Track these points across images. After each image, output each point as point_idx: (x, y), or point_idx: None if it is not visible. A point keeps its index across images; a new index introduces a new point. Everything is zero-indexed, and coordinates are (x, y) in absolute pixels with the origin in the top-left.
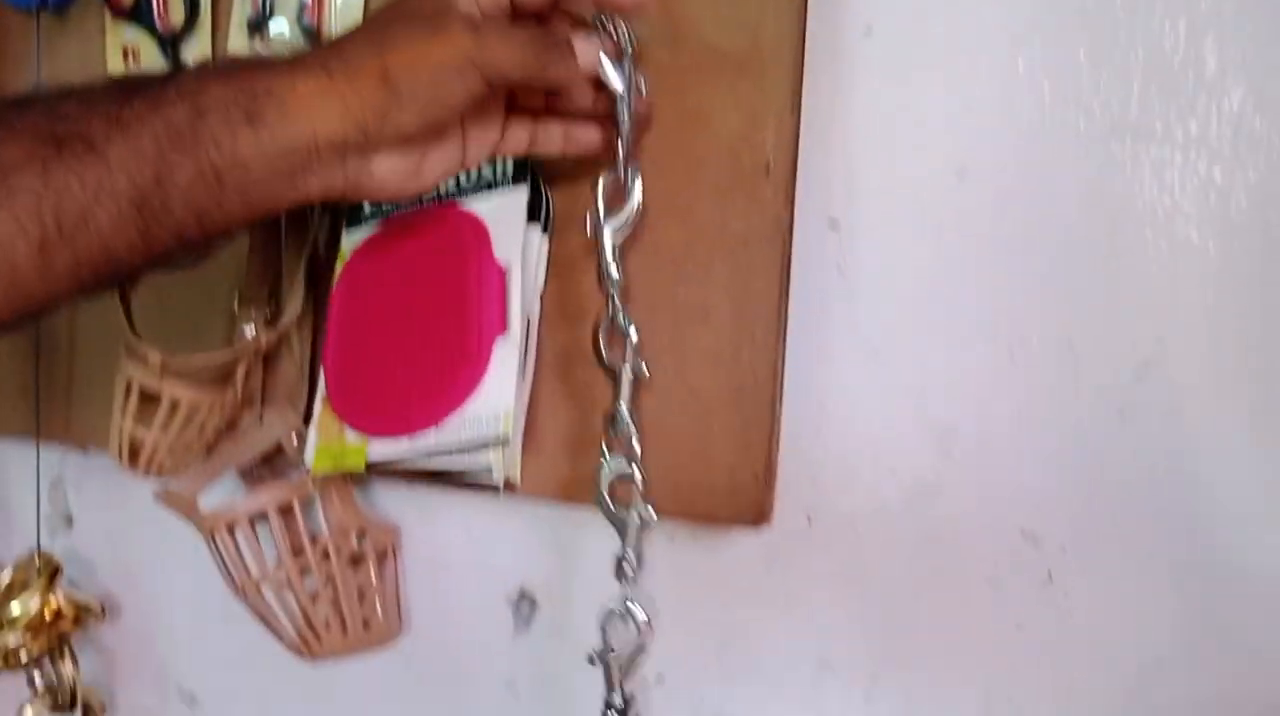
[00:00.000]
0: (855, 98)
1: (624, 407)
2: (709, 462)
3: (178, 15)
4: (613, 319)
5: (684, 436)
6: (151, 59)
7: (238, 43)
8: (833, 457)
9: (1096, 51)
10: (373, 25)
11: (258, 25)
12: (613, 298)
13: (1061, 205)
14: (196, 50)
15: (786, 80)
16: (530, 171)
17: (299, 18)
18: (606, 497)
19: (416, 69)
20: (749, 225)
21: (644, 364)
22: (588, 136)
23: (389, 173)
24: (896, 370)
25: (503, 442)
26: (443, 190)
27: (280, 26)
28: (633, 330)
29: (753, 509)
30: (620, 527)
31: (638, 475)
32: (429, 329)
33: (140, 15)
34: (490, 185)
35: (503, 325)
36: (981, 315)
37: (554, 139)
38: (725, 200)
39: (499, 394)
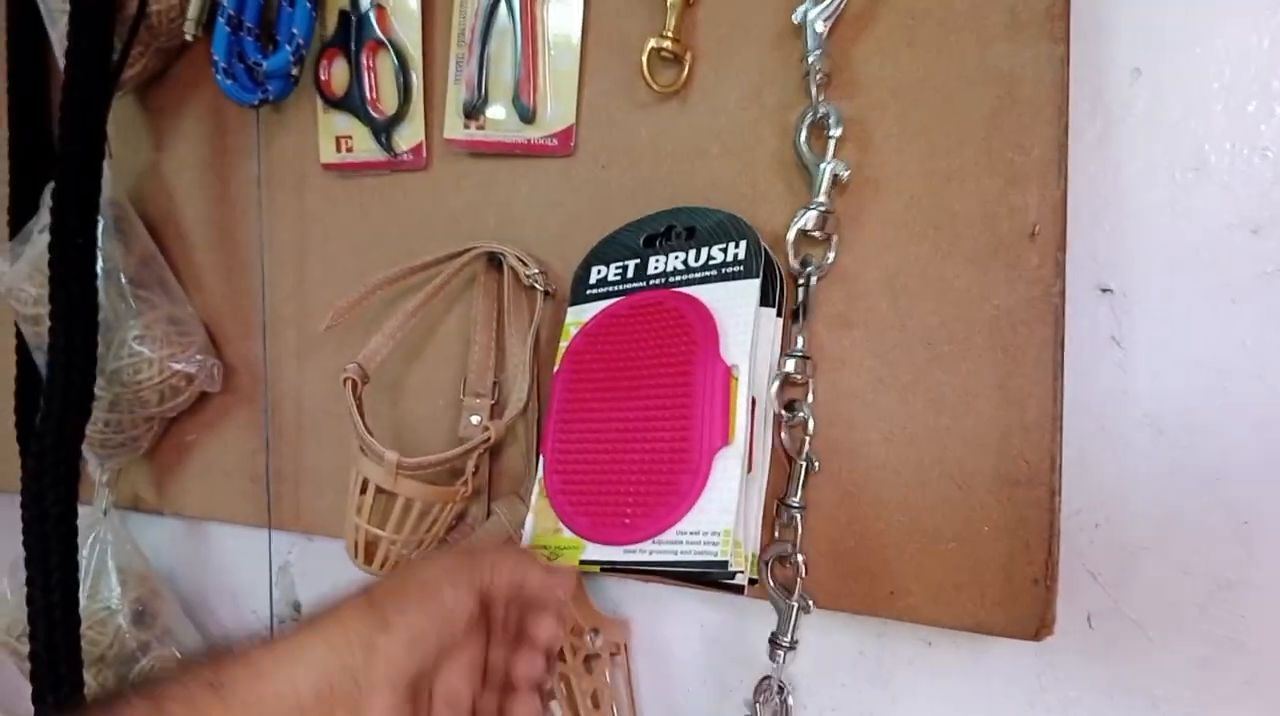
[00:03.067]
0: (1126, 148)
1: (795, 499)
2: (978, 563)
3: (390, 102)
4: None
5: (948, 533)
6: (365, 147)
7: (454, 128)
8: (1116, 551)
9: None
10: (370, 588)
11: (474, 110)
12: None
13: None
14: (409, 137)
15: (1050, 134)
16: (766, 258)
17: (514, 99)
18: (770, 576)
19: (399, 590)
20: (1013, 296)
21: (816, 456)
22: (543, 625)
23: None
24: (1187, 451)
25: (719, 567)
26: (671, 270)
27: (497, 109)
28: (808, 414)
29: (1032, 618)
30: (776, 608)
31: (800, 558)
32: (649, 429)
33: (353, 103)
34: (720, 271)
35: (726, 436)
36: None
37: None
38: (985, 270)
39: (719, 511)
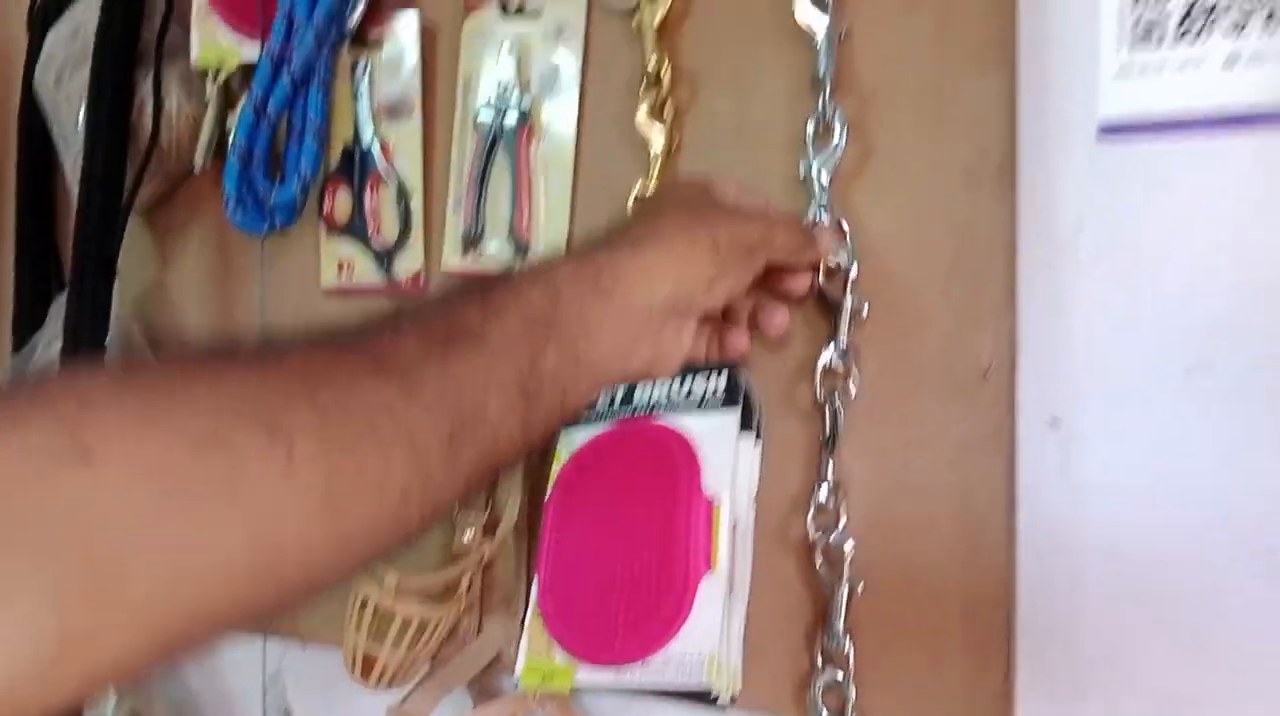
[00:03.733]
0: (1073, 294)
1: (839, 624)
2: (942, 681)
3: (391, 231)
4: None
5: (915, 652)
6: (366, 272)
7: (451, 258)
8: (1072, 669)
9: None
10: (681, 207)
11: (471, 241)
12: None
13: None
14: (409, 264)
15: (1000, 282)
16: (744, 392)
17: (510, 234)
18: (820, 706)
19: (736, 246)
20: (970, 431)
21: (860, 582)
22: (780, 319)
23: (683, 346)
24: (1134, 577)
25: (704, 690)
26: (657, 399)
27: (493, 242)
28: (849, 546)
29: None
30: None
31: (851, 689)
32: (637, 554)
33: (355, 230)
34: (701, 403)
35: (708, 563)
36: (1222, 519)
37: (740, 342)
38: (945, 405)
39: (704, 635)
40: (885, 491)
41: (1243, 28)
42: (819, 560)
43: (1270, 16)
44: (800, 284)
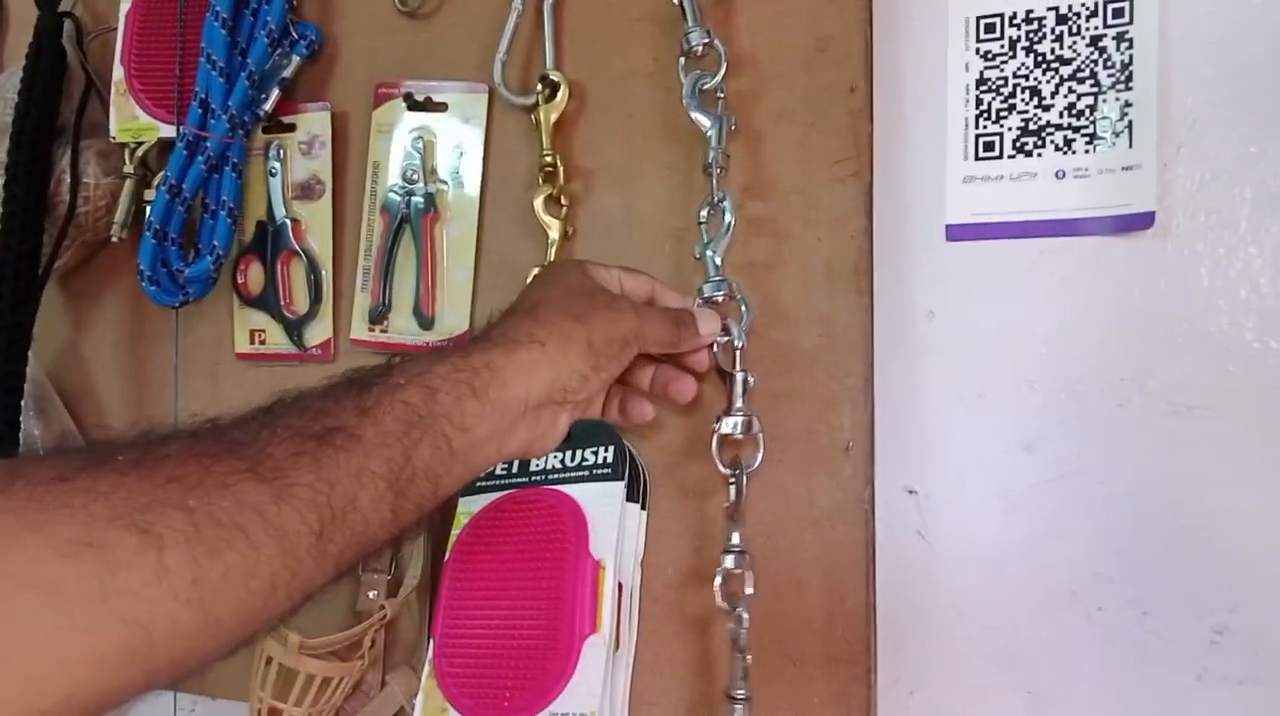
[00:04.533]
0: (925, 376)
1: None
2: None
3: (301, 303)
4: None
5: (782, 705)
6: (277, 340)
7: (359, 330)
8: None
9: (1150, 331)
10: (556, 301)
11: (377, 317)
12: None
13: (1128, 476)
14: (319, 334)
15: (858, 367)
16: (629, 463)
17: (415, 310)
18: None
19: (610, 342)
20: (834, 500)
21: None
22: (687, 388)
23: (559, 429)
24: (981, 634)
25: None
26: (550, 468)
27: (399, 317)
28: (744, 609)
29: None
30: None
31: None
32: (527, 616)
33: (267, 302)
34: (591, 473)
35: (593, 625)
36: (1060, 580)
37: (644, 410)
38: (809, 477)
39: (588, 694)
40: (759, 557)
41: (1070, 146)
42: (731, 625)
43: (1091, 138)
44: (699, 361)
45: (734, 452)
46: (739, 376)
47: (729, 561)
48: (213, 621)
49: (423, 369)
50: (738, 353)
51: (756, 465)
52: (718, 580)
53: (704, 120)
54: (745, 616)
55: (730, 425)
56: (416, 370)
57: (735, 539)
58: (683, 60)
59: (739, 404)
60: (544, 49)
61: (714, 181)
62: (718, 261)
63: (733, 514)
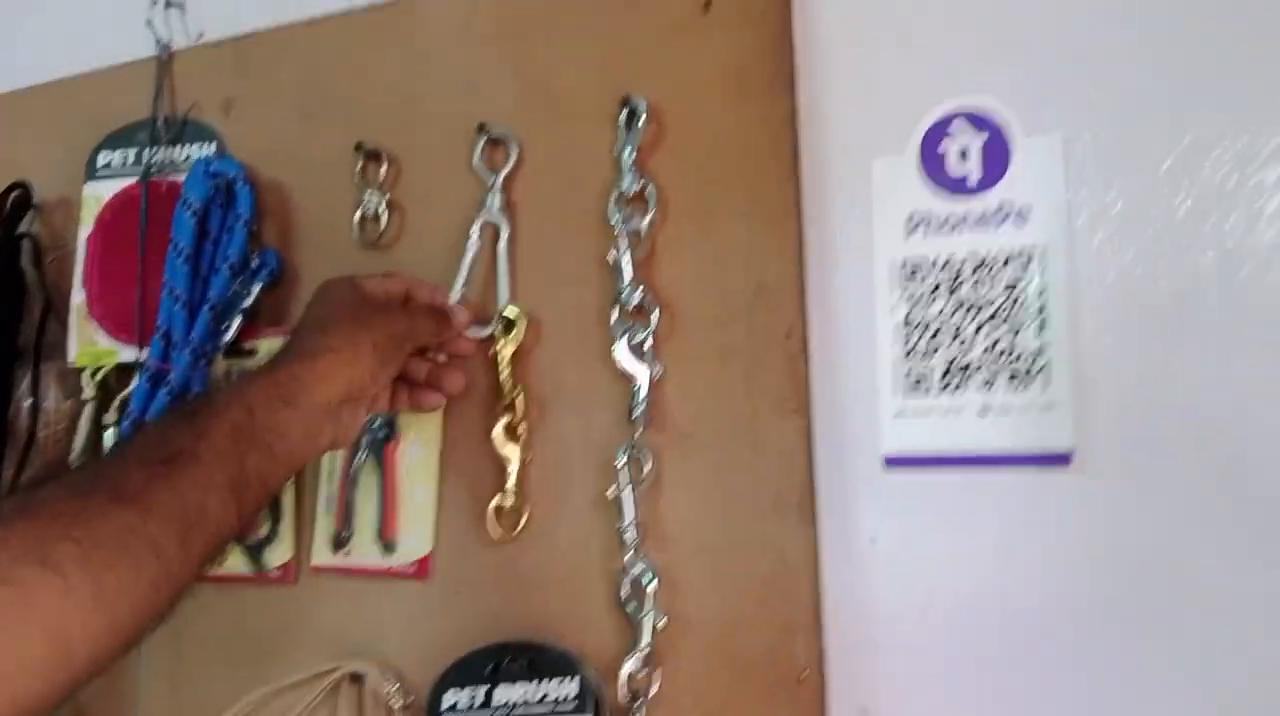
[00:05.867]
0: (872, 601)
1: None
2: None
3: (263, 526)
4: None
5: None
6: (235, 562)
7: (321, 555)
8: None
9: (1074, 559)
10: (339, 314)
11: (341, 541)
12: None
13: (1067, 689)
14: (280, 556)
15: (809, 593)
16: (595, 695)
17: (377, 536)
18: None
19: (390, 340)
20: None
21: None
22: (456, 382)
23: (354, 422)
24: None
25: None
26: (516, 702)
27: (362, 541)
28: None
29: None
30: None
31: None
32: None
33: None
34: (556, 707)
35: None
36: None
37: (433, 399)
38: (768, 702)
39: None
40: None
41: (992, 384)
42: None
43: (1013, 377)
44: (465, 346)
45: (634, 688)
46: (647, 616)
47: None
48: (116, 622)
49: (241, 390)
50: (649, 595)
51: (652, 695)
52: None
53: (633, 370)
54: None
55: (633, 663)
56: (236, 393)
57: None
58: (615, 312)
59: (643, 642)
60: (497, 285)
61: (637, 431)
62: (634, 502)
63: None
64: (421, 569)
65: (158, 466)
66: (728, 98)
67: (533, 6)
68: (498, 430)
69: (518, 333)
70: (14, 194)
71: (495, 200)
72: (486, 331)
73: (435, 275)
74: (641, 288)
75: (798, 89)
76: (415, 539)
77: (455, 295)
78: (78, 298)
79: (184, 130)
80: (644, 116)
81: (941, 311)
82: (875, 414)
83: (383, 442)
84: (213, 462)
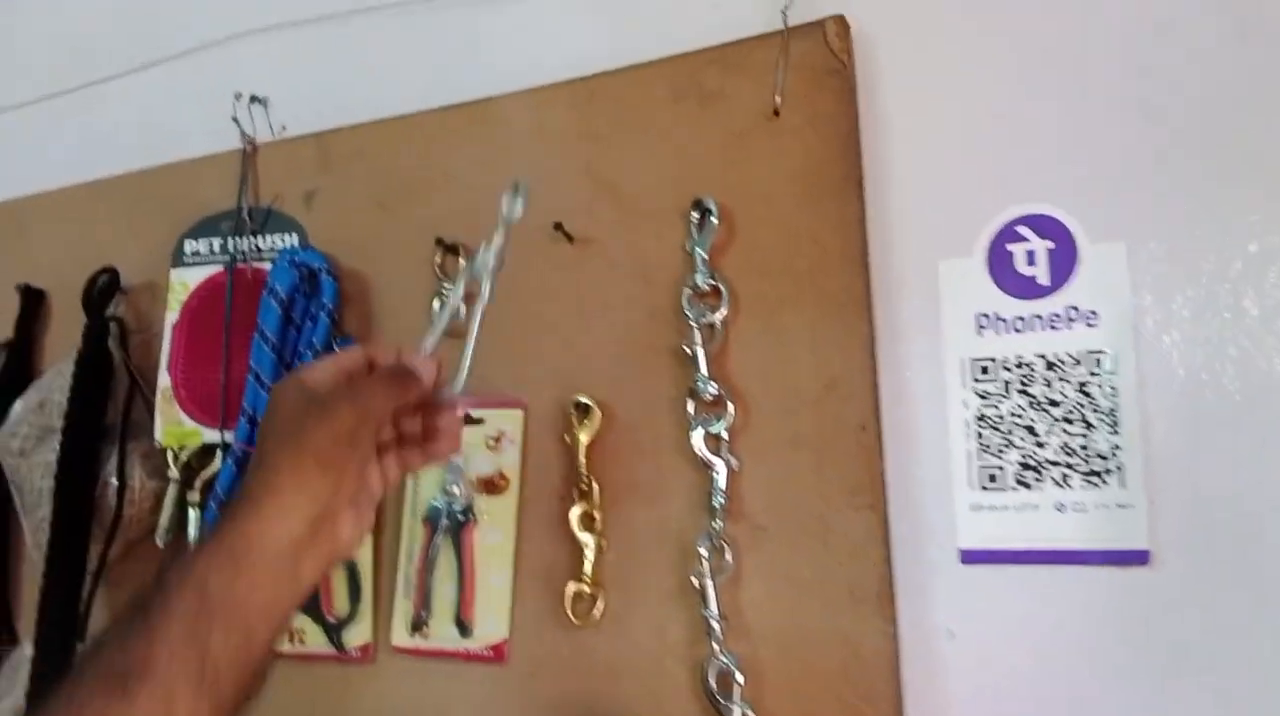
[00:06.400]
0: (950, 693)
1: None
2: None
3: (342, 607)
4: None
5: None
6: (316, 641)
7: (400, 636)
8: None
9: (1153, 658)
10: (279, 436)
11: (419, 623)
12: None
13: None
14: (358, 636)
15: (887, 685)
16: None
17: (455, 617)
18: None
19: (338, 443)
20: None
21: None
22: (445, 447)
23: (349, 528)
24: None
25: None
26: None
27: (440, 623)
28: None
29: None
30: None
31: None
32: None
33: (308, 607)
34: None
35: None
36: None
37: (414, 459)
38: None
39: None
40: None
41: (1067, 481)
42: None
43: (1089, 475)
44: (449, 405)
45: None
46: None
47: None
48: None
49: (191, 565)
50: (737, 687)
51: None
52: None
53: (711, 461)
54: None
55: None
56: (188, 570)
57: None
58: (691, 403)
59: None
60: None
61: (715, 521)
62: (715, 591)
63: None
64: (498, 653)
65: (115, 682)
66: (798, 199)
67: (605, 110)
68: (574, 516)
69: (594, 421)
70: (102, 278)
71: None
72: (459, 389)
73: (511, 361)
74: (716, 383)
75: (865, 190)
76: (492, 622)
77: (428, 348)
78: (164, 380)
79: (267, 220)
80: (715, 216)
81: (1014, 409)
82: (950, 507)
83: (460, 527)
84: (168, 667)
